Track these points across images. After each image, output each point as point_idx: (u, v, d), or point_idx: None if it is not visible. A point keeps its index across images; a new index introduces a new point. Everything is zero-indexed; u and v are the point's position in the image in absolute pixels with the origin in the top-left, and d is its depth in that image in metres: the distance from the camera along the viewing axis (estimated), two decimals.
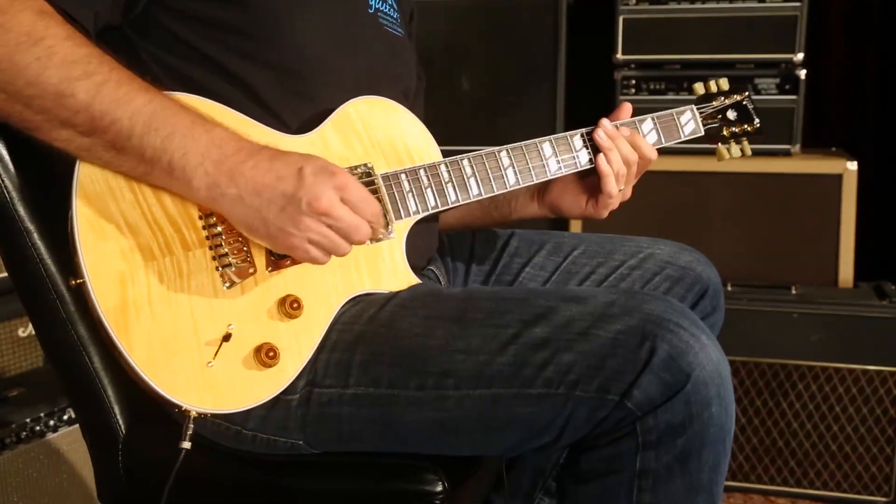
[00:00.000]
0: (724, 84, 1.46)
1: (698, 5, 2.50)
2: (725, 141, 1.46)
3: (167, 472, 1.00)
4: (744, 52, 2.47)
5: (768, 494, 2.34)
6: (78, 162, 1.01)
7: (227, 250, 1.04)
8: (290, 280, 1.09)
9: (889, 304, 2.23)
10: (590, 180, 1.35)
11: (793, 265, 2.45)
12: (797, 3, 2.44)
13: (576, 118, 2.62)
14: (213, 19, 1.12)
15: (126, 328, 0.99)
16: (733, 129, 1.46)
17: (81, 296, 1.00)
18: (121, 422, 1.14)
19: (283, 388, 1.07)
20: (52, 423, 1.79)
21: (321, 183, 1.00)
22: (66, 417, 1.81)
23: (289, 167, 1.00)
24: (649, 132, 1.36)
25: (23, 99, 0.96)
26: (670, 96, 2.53)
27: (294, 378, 1.08)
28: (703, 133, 1.42)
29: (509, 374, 1.04)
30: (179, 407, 1.01)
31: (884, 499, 2.26)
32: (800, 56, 2.45)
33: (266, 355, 1.04)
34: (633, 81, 2.55)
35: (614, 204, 1.34)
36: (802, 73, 2.42)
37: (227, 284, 1.05)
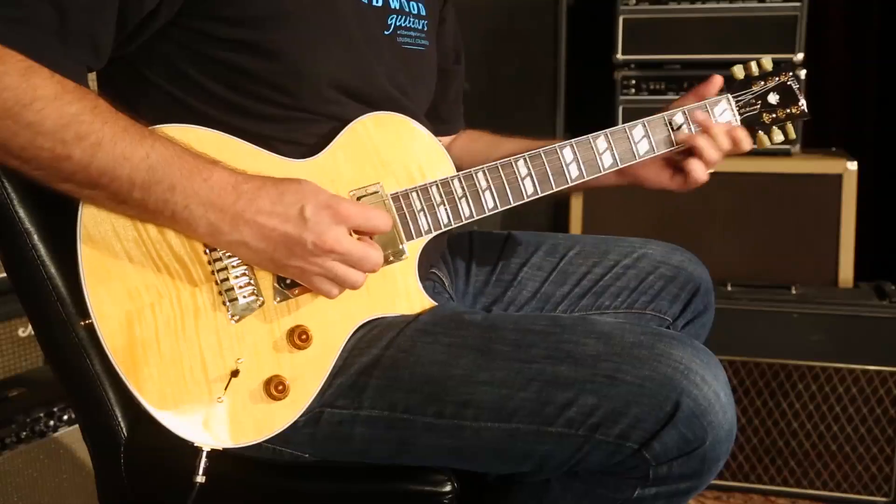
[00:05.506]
0: (768, 64, 1.36)
1: (698, 5, 2.50)
2: (766, 128, 1.36)
3: (170, 475, 1.00)
4: (744, 52, 2.43)
5: (768, 494, 2.34)
6: (81, 204, 1.00)
7: (233, 284, 1.03)
8: (298, 310, 1.08)
9: (889, 304, 2.23)
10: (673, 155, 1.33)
11: (793, 265, 2.45)
12: (797, 3, 2.44)
13: (576, 118, 2.62)
14: (226, 62, 1.08)
15: (135, 368, 1.00)
16: (774, 114, 1.36)
17: (94, 335, 1.00)
18: (122, 424, 1.14)
19: (295, 419, 1.07)
20: (52, 423, 1.78)
21: (324, 220, 1.00)
22: (66, 417, 1.81)
23: (290, 208, 1.00)
24: (679, 127, 1.30)
25: (20, 158, 0.95)
26: (670, 96, 2.52)
27: (306, 407, 1.08)
28: (738, 124, 1.34)
29: (531, 409, 1.03)
30: (192, 443, 1.02)
31: (884, 499, 2.26)
32: (800, 56, 2.45)
33: (275, 389, 1.04)
34: (633, 81, 2.54)
35: (701, 177, 1.31)
36: (802, 73, 2.42)
37: (235, 318, 1.04)
